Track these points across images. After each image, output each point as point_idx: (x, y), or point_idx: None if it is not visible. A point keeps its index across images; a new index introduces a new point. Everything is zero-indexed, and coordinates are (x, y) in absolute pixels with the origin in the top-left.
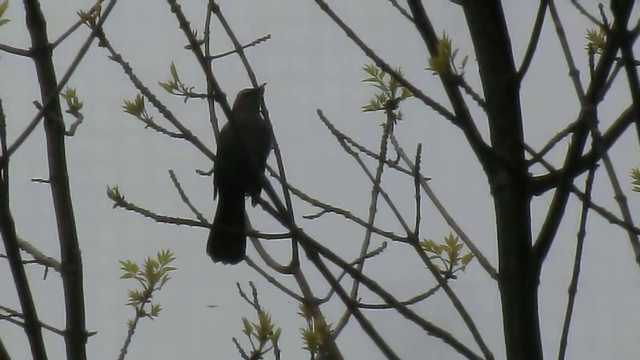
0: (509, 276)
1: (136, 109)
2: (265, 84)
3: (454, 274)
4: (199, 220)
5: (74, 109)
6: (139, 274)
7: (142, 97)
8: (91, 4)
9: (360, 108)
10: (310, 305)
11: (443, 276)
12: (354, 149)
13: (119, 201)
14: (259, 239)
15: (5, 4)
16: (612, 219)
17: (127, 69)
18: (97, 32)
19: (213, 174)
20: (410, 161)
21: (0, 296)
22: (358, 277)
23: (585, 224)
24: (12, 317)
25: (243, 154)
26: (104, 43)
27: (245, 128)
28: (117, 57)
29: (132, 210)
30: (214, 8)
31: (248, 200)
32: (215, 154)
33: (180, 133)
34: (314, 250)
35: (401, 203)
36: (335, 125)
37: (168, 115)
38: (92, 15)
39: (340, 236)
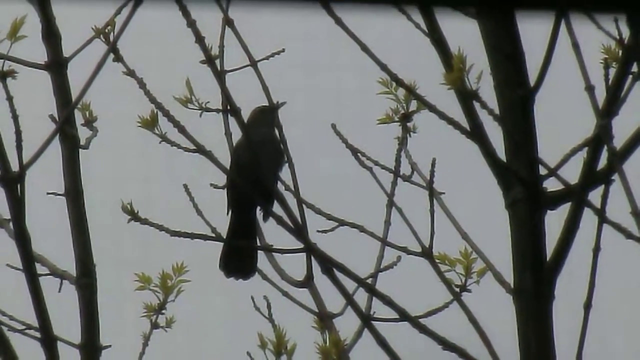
0: (524, 291)
1: (150, 124)
2: (284, 102)
3: (468, 288)
4: (213, 235)
5: (89, 123)
6: (153, 286)
7: (157, 112)
8: (105, 19)
9: (375, 121)
10: (325, 319)
11: (457, 290)
12: (368, 163)
13: (134, 216)
14: (273, 253)
15: (22, 20)
16: (628, 235)
17: (142, 84)
18: (112, 48)
19: (226, 188)
20: (425, 175)
21: (16, 309)
22: (372, 291)
23: (600, 239)
24: (27, 331)
25: (257, 169)
26: (118, 59)
27: (260, 143)
28: (131, 73)
29: (146, 225)
30: (228, 22)
31: (260, 215)
32: (229, 168)
33: (195, 148)
34: (328, 264)
35: (415, 217)
36: (350, 140)
37: (182, 130)
38: (107, 30)
39: (355, 250)
